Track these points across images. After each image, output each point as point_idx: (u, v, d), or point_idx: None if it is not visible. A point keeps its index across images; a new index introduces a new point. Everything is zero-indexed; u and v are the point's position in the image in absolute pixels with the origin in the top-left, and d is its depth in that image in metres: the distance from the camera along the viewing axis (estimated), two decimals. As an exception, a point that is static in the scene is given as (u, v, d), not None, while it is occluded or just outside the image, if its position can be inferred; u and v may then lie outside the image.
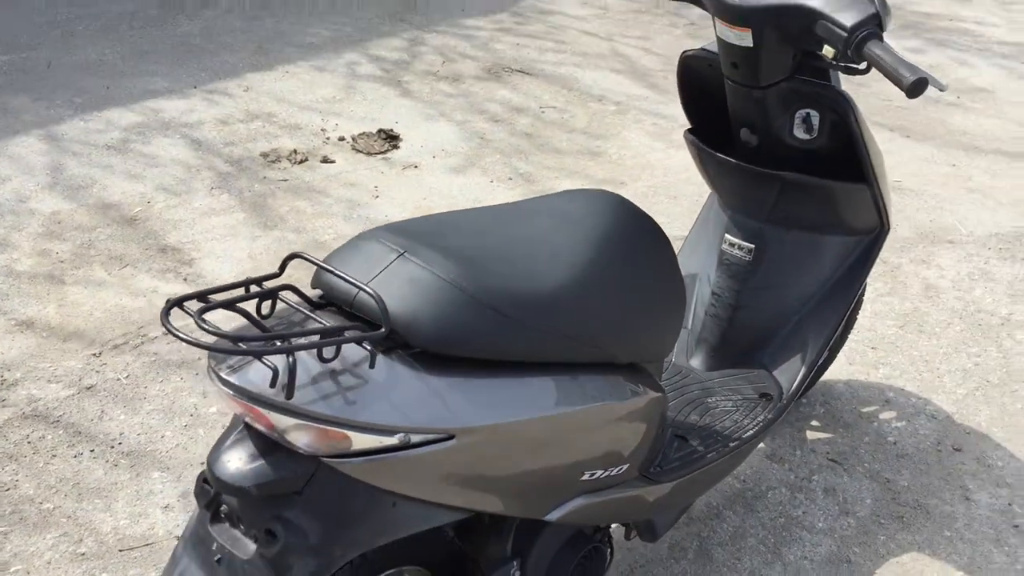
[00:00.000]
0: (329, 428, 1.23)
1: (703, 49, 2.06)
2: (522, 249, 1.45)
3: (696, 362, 2.22)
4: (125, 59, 4.78)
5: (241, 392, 1.23)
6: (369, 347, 1.25)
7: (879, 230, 2.11)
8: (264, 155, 3.87)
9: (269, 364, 1.18)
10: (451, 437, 1.30)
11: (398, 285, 1.32)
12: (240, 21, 5.38)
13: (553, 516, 1.52)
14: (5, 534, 2.16)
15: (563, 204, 1.59)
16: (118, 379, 2.63)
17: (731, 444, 1.92)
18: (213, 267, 3.13)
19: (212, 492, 1.35)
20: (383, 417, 1.25)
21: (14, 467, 2.34)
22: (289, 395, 1.19)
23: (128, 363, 2.69)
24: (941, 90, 1.64)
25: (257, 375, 1.23)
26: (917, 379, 2.69)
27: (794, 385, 2.09)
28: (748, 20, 1.80)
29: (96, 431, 2.45)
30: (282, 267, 1.36)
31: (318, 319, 1.29)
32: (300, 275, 1.41)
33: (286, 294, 1.34)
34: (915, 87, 1.55)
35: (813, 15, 1.70)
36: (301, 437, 1.25)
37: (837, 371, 2.67)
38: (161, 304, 2.93)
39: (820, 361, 2.16)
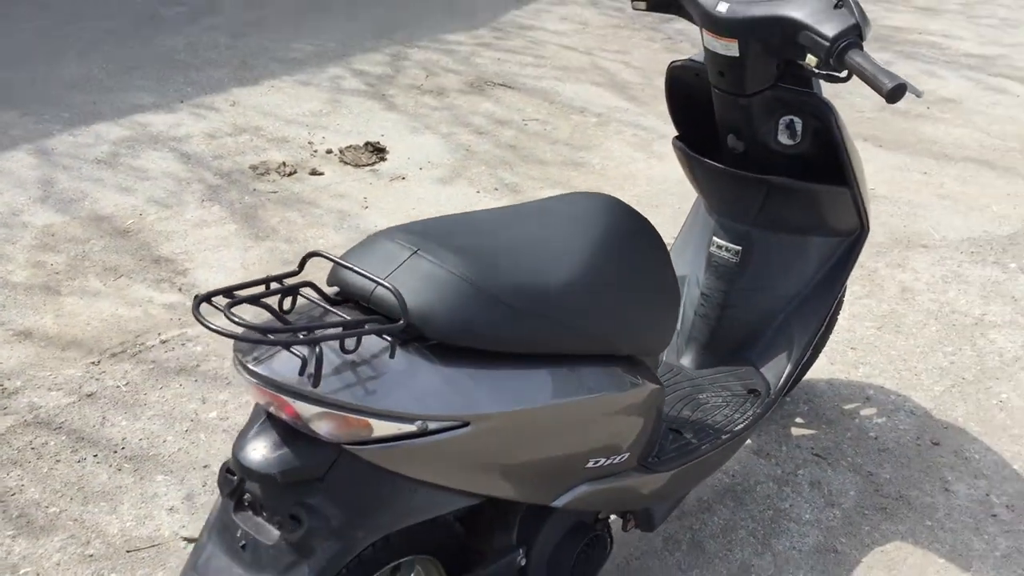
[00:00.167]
0: (351, 416, 1.30)
1: (690, 59, 2.15)
2: (528, 247, 1.53)
3: (686, 361, 2.30)
4: (111, 75, 4.82)
5: (267, 382, 1.30)
6: (389, 338, 1.32)
7: (859, 231, 2.21)
8: (253, 168, 3.92)
9: (298, 353, 1.25)
10: (466, 424, 1.37)
11: (413, 281, 1.39)
12: (224, 37, 5.43)
13: (560, 502, 1.59)
14: (13, 537, 2.20)
15: (564, 205, 1.67)
16: (118, 386, 2.68)
17: (723, 437, 2.00)
18: (207, 277, 3.18)
19: (235, 481, 1.41)
20: (402, 405, 1.32)
21: (19, 472, 2.38)
22: (316, 383, 1.26)
23: (127, 371, 2.74)
24: (918, 96, 1.74)
25: (282, 365, 1.30)
26: (896, 377, 2.79)
27: (781, 381, 2.18)
28: (734, 31, 1.89)
29: (98, 437, 2.49)
30: (301, 265, 1.43)
31: (338, 313, 1.35)
32: (314, 274, 1.47)
33: (306, 290, 1.41)
34: (894, 93, 1.65)
35: (796, 26, 1.80)
36: (324, 425, 1.31)
37: (819, 371, 2.76)
38: (156, 314, 2.99)
39: (805, 358, 2.25)
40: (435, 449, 1.37)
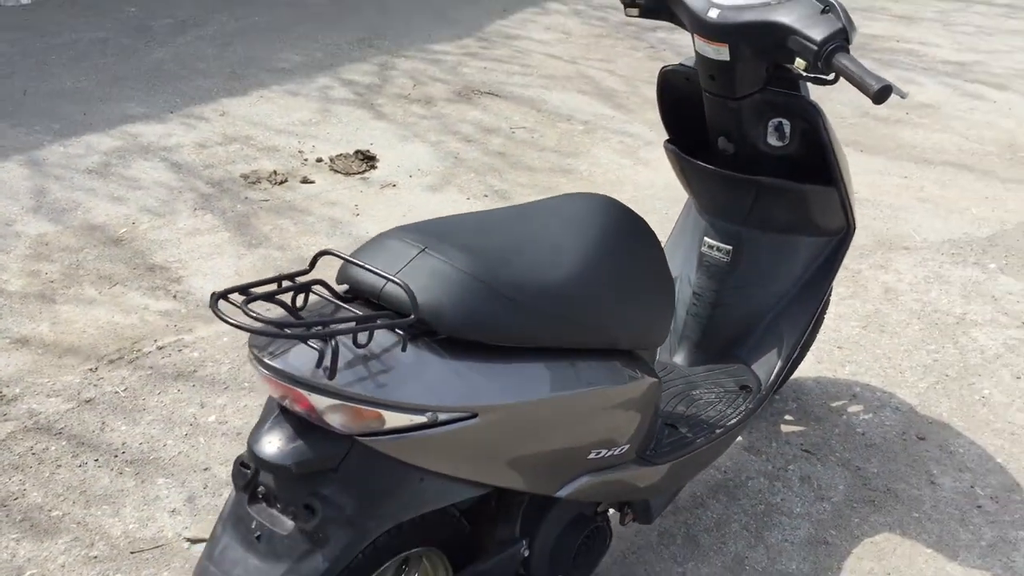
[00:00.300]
0: (364, 408, 1.34)
1: (681, 64, 2.21)
2: (530, 245, 1.58)
3: (679, 359, 2.36)
4: (100, 86, 4.84)
5: (283, 375, 1.34)
6: (401, 332, 1.37)
7: (846, 231, 2.27)
8: (244, 176, 3.96)
9: (315, 346, 1.29)
10: (474, 415, 1.42)
11: (422, 277, 1.43)
12: (211, 48, 5.47)
13: (563, 493, 1.64)
14: (17, 540, 2.22)
15: (563, 205, 1.72)
16: (116, 392, 2.70)
17: (717, 431, 2.05)
18: (201, 284, 3.21)
19: (249, 475, 1.45)
20: (413, 397, 1.37)
21: (20, 477, 2.40)
22: (331, 376, 1.30)
23: (125, 377, 2.77)
24: (902, 97, 1.80)
25: (298, 359, 1.34)
26: (881, 375, 2.85)
27: (771, 377, 2.24)
28: (725, 36, 1.95)
29: (99, 441, 2.52)
30: (312, 264, 1.47)
31: (350, 309, 1.40)
32: (323, 272, 1.51)
33: (318, 288, 1.45)
34: (880, 94, 1.71)
35: (785, 31, 1.86)
36: (337, 417, 1.35)
37: (807, 369, 2.82)
38: (152, 320, 3.01)
39: (794, 355, 2.31)
40: (445, 440, 1.41)
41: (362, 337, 1.35)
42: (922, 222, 3.77)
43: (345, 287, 1.52)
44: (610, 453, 1.68)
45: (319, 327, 1.32)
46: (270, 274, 3.18)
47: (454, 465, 1.46)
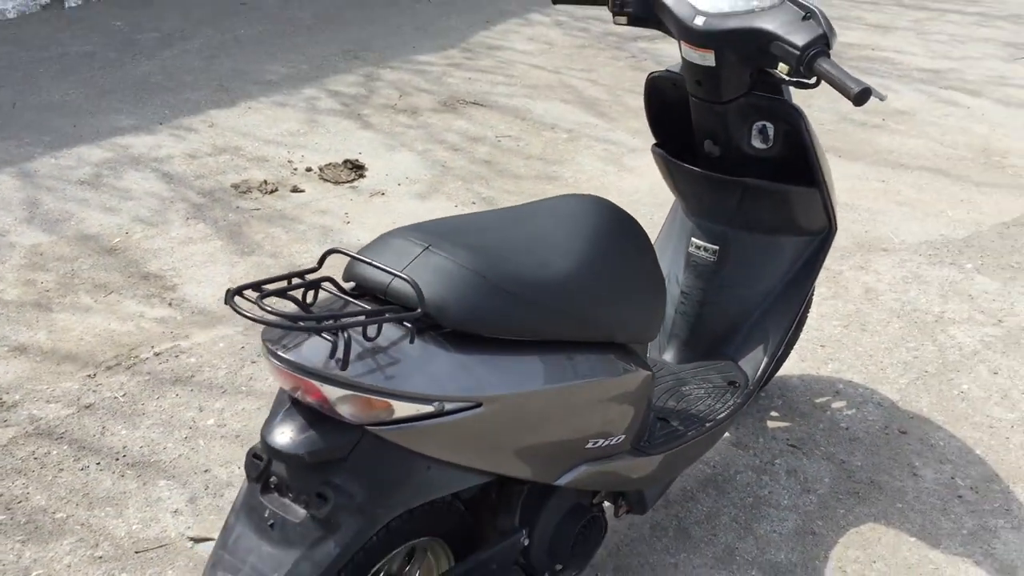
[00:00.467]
0: (374, 398, 1.40)
1: (667, 71, 2.28)
2: (529, 242, 1.65)
3: (668, 356, 2.43)
4: (89, 98, 4.88)
5: (296, 367, 1.40)
6: (408, 325, 1.43)
7: (828, 231, 2.35)
8: (235, 186, 4.01)
9: (329, 338, 1.35)
10: (479, 405, 1.48)
11: (427, 273, 1.49)
12: (198, 60, 5.51)
13: (562, 481, 1.70)
14: (23, 542, 2.26)
15: (559, 206, 1.79)
16: (115, 397, 2.74)
17: (707, 424, 2.12)
18: (196, 291, 3.26)
19: (262, 465, 1.50)
20: (421, 387, 1.43)
21: (23, 481, 2.44)
22: (344, 367, 1.36)
23: (123, 382, 2.81)
24: (881, 99, 1.88)
25: (310, 352, 1.40)
26: (863, 372, 2.93)
27: (758, 373, 2.31)
28: (711, 42, 2.03)
29: (100, 445, 2.56)
30: (321, 262, 1.53)
31: (359, 304, 1.46)
32: (329, 271, 1.57)
33: (327, 285, 1.51)
34: (860, 96, 1.79)
35: (768, 36, 1.94)
36: (348, 407, 1.41)
37: (791, 367, 2.90)
38: (149, 327, 3.06)
39: (780, 351, 2.38)
40: (451, 428, 1.47)
41: (371, 330, 1.41)
42: (900, 225, 3.86)
43: (352, 284, 1.58)
44: (607, 443, 1.74)
45: (330, 320, 1.38)
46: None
47: (460, 453, 1.52)
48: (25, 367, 2.86)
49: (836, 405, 2.79)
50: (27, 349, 2.94)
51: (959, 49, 6.25)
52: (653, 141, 2.42)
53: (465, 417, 1.47)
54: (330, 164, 4.22)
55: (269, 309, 1.35)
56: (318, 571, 1.44)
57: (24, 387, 2.78)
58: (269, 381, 2.80)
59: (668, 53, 5.75)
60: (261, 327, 1.42)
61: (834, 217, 2.31)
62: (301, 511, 1.47)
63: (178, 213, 3.78)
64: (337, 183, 4.08)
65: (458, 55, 5.80)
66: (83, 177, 4.04)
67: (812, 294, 2.61)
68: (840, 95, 1.85)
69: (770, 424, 2.71)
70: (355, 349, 1.40)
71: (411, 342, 1.43)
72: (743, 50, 2.02)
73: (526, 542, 1.78)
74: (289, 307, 1.45)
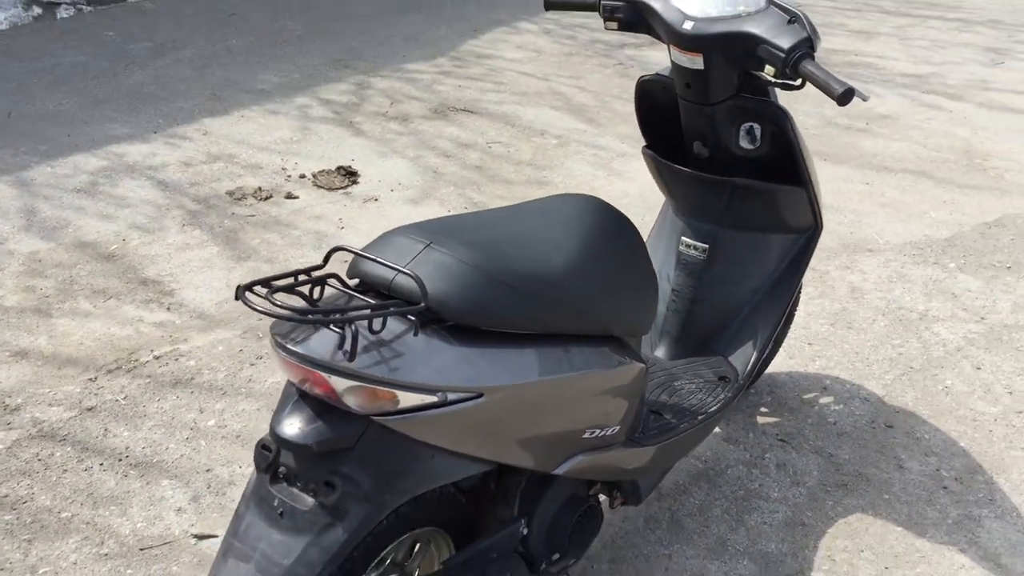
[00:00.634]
0: (380, 388, 1.46)
1: (657, 74, 2.35)
2: (527, 239, 1.71)
3: (660, 352, 2.49)
4: (83, 108, 4.92)
5: (304, 359, 1.45)
6: (412, 318, 1.48)
7: (814, 229, 2.42)
8: (230, 193, 4.06)
9: (337, 330, 1.41)
10: (480, 395, 1.53)
11: (429, 269, 1.55)
12: (190, 70, 5.56)
13: (560, 470, 1.76)
14: (29, 541, 2.30)
15: (554, 204, 1.85)
16: (116, 400, 2.79)
17: (699, 418, 2.18)
18: (194, 296, 3.30)
19: (271, 456, 1.55)
20: (425, 378, 1.48)
21: (28, 482, 2.48)
22: (351, 358, 1.41)
23: (124, 385, 2.85)
24: (864, 100, 1.95)
25: (318, 345, 1.45)
26: (850, 368, 3.00)
27: (748, 368, 2.37)
28: (699, 46, 2.10)
29: (102, 446, 2.60)
30: (326, 259, 1.59)
31: (364, 299, 1.52)
32: (333, 268, 1.63)
33: (332, 281, 1.56)
34: (844, 96, 1.86)
35: (755, 40, 2.01)
36: (354, 398, 1.47)
37: (780, 364, 2.96)
38: (148, 332, 3.10)
39: (769, 347, 2.45)
40: (453, 418, 1.52)
41: (376, 324, 1.47)
42: (884, 226, 3.94)
43: (356, 281, 1.64)
44: (603, 433, 1.80)
45: (337, 313, 1.43)
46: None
47: (462, 442, 1.58)
48: (27, 371, 2.90)
49: (824, 401, 2.85)
50: (28, 354, 2.98)
51: (941, 54, 6.35)
52: (642, 144, 2.49)
53: (467, 407, 1.53)
54: (323, 171, 4.27)
55: (278, 303, 1.40)
56: (326, 557, 1.49)
57: (26, 391, 2.82)
58: (268, 383, 2.85)
59: (655, 60, 5.83)
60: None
61: (820, 215, 2.38)
62: (309, 499, 1.52)
63: (174, 220, 3.83)
64: (331, 189, 4.13)
65: (448, 63, 5.87)
66: (79, 185, 4.08)
67: (799, 291, 2.67)
68: (825, 99, 1.92)
69: (760, 420, 2.77)
70: (361, 342, 1.45)
71: (415, 335, 1.49)
72: (730, 53, 2.09)
73: (525, 531, 1.83)
74: (296, 303, 1.50)
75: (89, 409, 2.75)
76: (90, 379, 2.87)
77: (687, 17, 2.11)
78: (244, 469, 2.52)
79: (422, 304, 1.48)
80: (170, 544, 2.30)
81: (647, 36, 2.27)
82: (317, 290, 1.55)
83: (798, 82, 2.02)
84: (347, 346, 1.41)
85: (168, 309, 3.24)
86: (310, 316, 1.42)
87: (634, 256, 1.87)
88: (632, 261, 1.86)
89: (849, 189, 4.27)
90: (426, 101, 5.21)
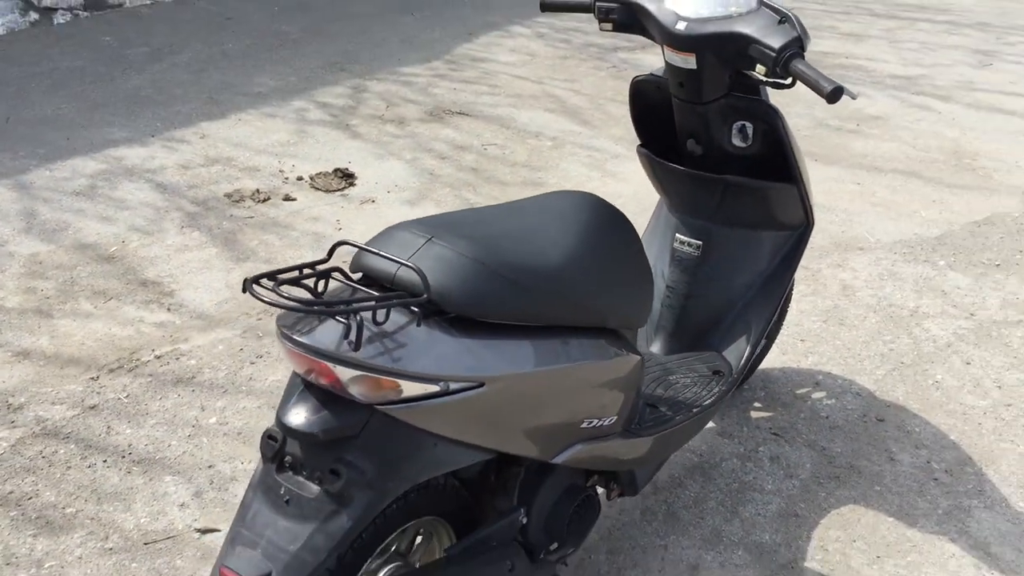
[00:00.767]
0: (384, 378, 1.50)
1: (651, 74, 2.40)
2: (525, 234, 1.75)
3: (655, 348, 2.53)
4: (81, 112, 4.96)
5: (310, 350, 1.49)
6: (415, 309, 1.53)
7: (805, 226, 2.46)
8: (228, 195, 4.09)
9: (343, 320, 1.45)
10: (481, 384, 1.57)
11: (431, 262, 1.59)
12: (187, 74, 5.60)
13: (559, 459, 1.80)
14: (34, 536, 2.33)
15: (552, 201, 1.90)
16: (119, 398, 2.82)
17: (694, 410, 2.22)
18: (194, 297, 3.34)
19: (277, 446, 1.59)
20: (427, 368, 1.52)
21: (33, 479, 2.51)
22: (357, 348, 1.45)
23: (126, 384, 2.88)
24: (853, 98, 2.00)
25: (324, 335, 1.49)
26: (842, 364, 3.05)
27: (741, 362, 2.42)
28: (692, 46, 2.15)
29: (105, 444, 2.64)
30: (330, 253, 1.63)
31: (368, 291, 1.56)
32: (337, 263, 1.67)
33: (336, 275, 1.60)
34: (833, 94, 1.91)
35: (746, 40, 2.06)
36: (358, 387, 1.50)
37: (773, 360, 3.01)
38: (148, 332, 3.14)
39: (762, 342, 2.49)
40: (455, 407, 1.56)
41: (380, 315, 1.51)
42: (875, 224, 3.99)
43: (359, 275, 1.68)
44: (600, 423, 1.84)
45: (343, 305, 1.47)
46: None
47: (464, 431, 1.61)
48: (29, 371, 2.94)
49: (816, 396, 2.90)
50: (30, 354, 3.02)
51: (930, 56, 6.42)
52: (636, 145, 2.53)
53: (468, 396, 1.57)
54: (321, 173, 4.31)
55: (287, 295, 1.44)
56: (332, 542, 1.52)
57: (29, 390, 2.85)
58: (269, 381, 2.89)
59: (647, 63, 5.88)
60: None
61: (811, 212, 2.43)
62: (315, 487, 1.55)
63: (173, 222, 3.86)
64: (328, 191, 4.17)
65: (443, 67, 5.91)
66: (78, 188, 4.11)
67: (792, 287, 2.72)
68: (816, 101, 1.96)
69: (754, 414, 2.82)
70: (365, 333, 1.49)
71: (417, 326, 1.53)
72: (722, 53, 2.13)
73: (524, 520, 1.87)
74: (302, 295, 1.54)
75: (91, 407, 2.78)
76: (92, 378, 2.91)
77: (680, 18, 2.15)
78: (246, 465, 2.56)
79: (424, 296, 1.52)
80: (174, 538, 2.34)
81: (640, 39, 2.33)
82: (321, 283, 1.58)
83: (788, 81, 2.07)
84: (352, 336, 1.45)
85: (168, 309, 3.27)
86: (316, 307, 1.46)
87: (629, 250, 1.91)
88: (627, 255, 1.90)
89: (840, 189, 4.33)
90: (422, 104, 5.26)
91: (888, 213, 4.10)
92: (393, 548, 1.77)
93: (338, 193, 4.17)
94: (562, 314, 1.73)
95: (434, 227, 1.68)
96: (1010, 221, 4.02)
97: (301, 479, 1.58)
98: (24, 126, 4.76)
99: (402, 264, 1.57)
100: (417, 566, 1.78)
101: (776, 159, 2.30)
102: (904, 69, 6.11)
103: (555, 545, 1.95)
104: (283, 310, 1.48)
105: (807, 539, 2.37)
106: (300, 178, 4.28)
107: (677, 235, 2.49)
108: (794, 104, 4.98)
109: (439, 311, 1.59)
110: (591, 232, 1.83)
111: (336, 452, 1.54)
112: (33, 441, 2.64)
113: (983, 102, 5.50)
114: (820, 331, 3.22)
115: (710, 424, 2.74)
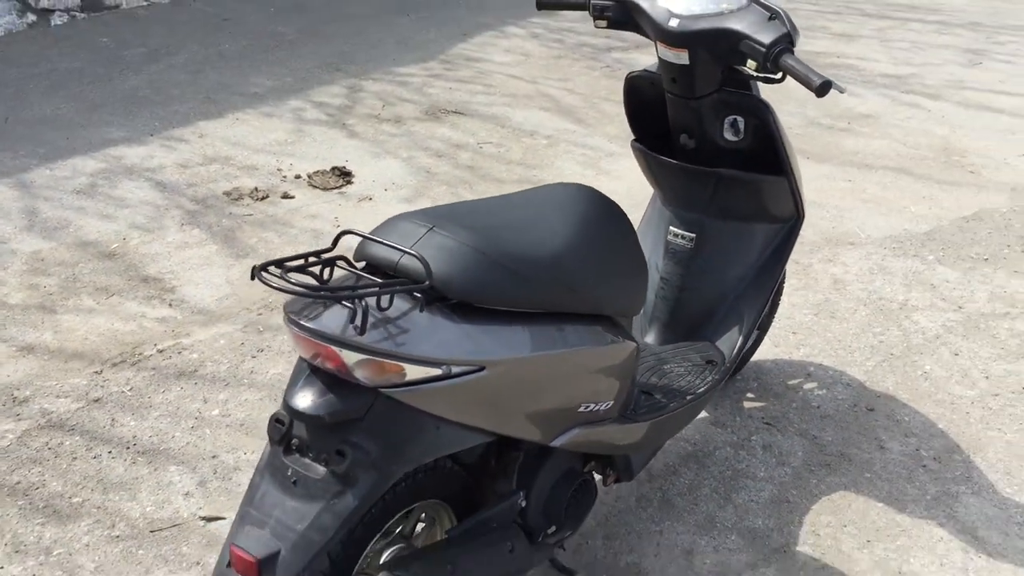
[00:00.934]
0: (388, 362, 1.55)
1: (645, 70, 2.45)
2: (524, 224, 1.80)
3: (650, 338, 2.59)
4: (80, 112, 5.00)
5: (317, 334, 1.54)
6: (418, 295, 1.58)
7: (796, 218, 2.52)
8: (227, 193, 4.14)
9: (349, 305, 1.50)
10: (482, 368, 1.63)
11: (432, 251, 1.64)
12: (184, 75, 5.64)
13: (557, 442, 1.85)
14: (42, 524, 2.38)
15: (550, 192, 1.95)
16: (122, 392, 2.87)
17: (688, 398, 2.28)
18: (195, 293, 3.39)
19: (284, 429, 1.64)
20: (430, 352, 1.57)
21: (39, 469, 2.56)
22: (362, 332, 1.50)
23: (129, 378, 2.93)
24: (841, 92, 2.06)
25: (329, 320, 1.54)
26: (832, 356, 3.11)
27: (734, 352, 2.47)
28: (684, 42, 2.20)
29: (110, 435, 2.69)
30: (334, 242, 1.68)
31: (372, 278, 1.61)
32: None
33: (341, 263, 1.66)
34: (822, 88, 1.97)
35: (738, 36, 2.11)
36: (363, 371, 1.55)
37: (765, 352, 3.06)
38: (151, 327, 3.18)
39: (754, 332, 2.55)
40: (457, 390, 1.62)
41: (384, 301, 1.56)
42: (866, 220, 4.05)
43: (363, 264, 1.73)
44: (597, 408, 1.90)
45: (348, 291, 1.52)
46: (258, 283, 3.38)
47: (465, 413, 1.67)
48: (34, 365, 2.98)
49: (808, 386, 2.96)
50: (34, 348, 3.06)
51: (920, 55, 6.48)
52: (629, 143, 2.59)
53: (470, 380, 1.62)
54: (318, 171, 4.36)
55: (294, 282, 1.50)
56: (338, 521, 1.57)
57: (34, 384, 2.89)
58: (270, 374, 2.94)
59: (641, 63, 5.90)
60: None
61: (802, 205, 2.49)
62: (321, 468, 1.60)
63: (173, 220, 3.91)
64: (326, 189, 4.22)
65: (438, 67, 5.97)
66: (79, 187, 4.16)
67: (783, 278, 2.78)
68: (808, 99, 2.02)
69: (746, 404, 2.87)
70: (369, 318, 1.54)
71: (420, 311, 1.58)
72: (714, 49, 2.19)
73: (523, 504, 1.92)
74: (308, 283, 1.59)
75: (96, 400, 2.83)
76: (96, 372, 2.95)
77: (673, 15, 2.21)
78: (249, 455, 2.61)
79: (427, 282, 1.57)
80: (179, 526, 2.39)
81: (633, 38, 2.38)
82: (327, 271, 1.64)
83: (779, 75, 2.12)
84: (357, 321, 1.50)
85: (170, 305, 3.32)
86: (322, 293, 1.51)
87: (625, 241, 1.97)
88: (623, 245, 1.96)
89: (832, 186, 4.39)
90: (418, 103, 5.31)
91: (878, 209, 4.16)
92: (397, 531, 1.82)
93: (336, 191, 4.22)
94: (560, 301, 1.78)
95: (435, 217, 1.73)
96: (998, 216, 4.08)
97: (308, 461, 1.63)
98: (23, 126, 4.80)
99: (405, 252, 1.62)
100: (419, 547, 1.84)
101: (767, 153, 2.35)
102: (895, 68, 6.17)
103: (553, 528, 2.00)
104: (290, 296, 1.53)
105: (799, 524, 2.42)
106: (298, 176, 4.33)
107: (671, 228, 2.55)
108: (786, 102, 5.04)
109: (441, 297, 1.64)
110: (588, 223, 1.88)
111: (342, 434, 1.59)
112: (39, 433, 2.69)
113: (972, 100, 5.57)
114: (811, 324, 3.28)
115: (704, 414, 2.79)
